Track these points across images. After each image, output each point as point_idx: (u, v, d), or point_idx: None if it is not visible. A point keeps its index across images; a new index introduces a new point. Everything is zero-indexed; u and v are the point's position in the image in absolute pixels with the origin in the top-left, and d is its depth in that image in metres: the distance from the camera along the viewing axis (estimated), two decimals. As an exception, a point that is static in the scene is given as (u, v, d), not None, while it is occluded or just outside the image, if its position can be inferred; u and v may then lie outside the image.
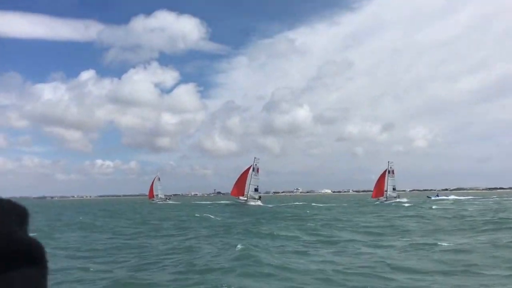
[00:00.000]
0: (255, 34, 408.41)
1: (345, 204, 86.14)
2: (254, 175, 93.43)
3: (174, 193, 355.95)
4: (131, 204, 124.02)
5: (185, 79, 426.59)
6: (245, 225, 34.18)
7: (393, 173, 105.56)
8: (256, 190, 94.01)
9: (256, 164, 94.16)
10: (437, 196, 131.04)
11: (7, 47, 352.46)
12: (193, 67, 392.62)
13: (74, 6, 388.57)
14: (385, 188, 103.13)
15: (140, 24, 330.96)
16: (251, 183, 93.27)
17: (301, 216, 47.64)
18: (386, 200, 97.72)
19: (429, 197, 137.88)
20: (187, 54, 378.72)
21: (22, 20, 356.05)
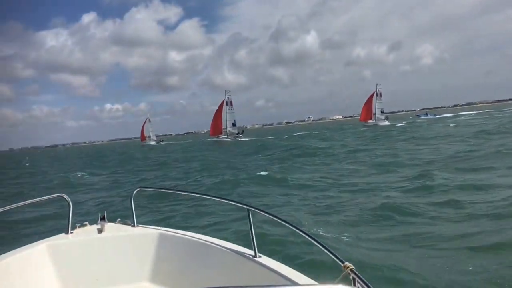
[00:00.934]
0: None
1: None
2: (229, 109, 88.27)
3: (187, 132, 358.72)
4: (127, 147, 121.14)
5: (188, 14, 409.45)
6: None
7: (381, 96, 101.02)
8: (234, 125, 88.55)
9: (228, 97, 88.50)
10: (426, 115, 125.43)
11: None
12: (196, 1, 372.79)
13: None
14: (373, 111, 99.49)
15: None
16: (227, 118, 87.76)
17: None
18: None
19: (418, 115, 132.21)
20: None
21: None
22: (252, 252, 3.09)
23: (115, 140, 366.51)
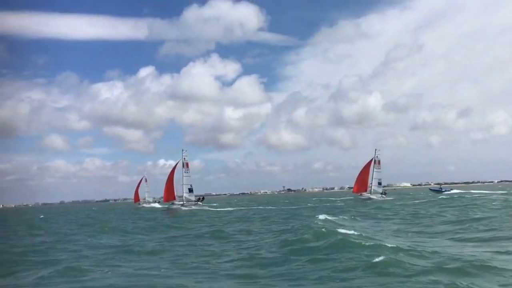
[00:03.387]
0: (322, 24, 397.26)
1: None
2: (185, 172, 78.00)
3: (242, 192, 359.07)
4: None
5: (247, 70, 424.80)
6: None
7: (379, 163, 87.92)
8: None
9: (184, 158, 79.57)
10: (441, 189, 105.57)
11: (59, 48, 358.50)
12: (255, 58, 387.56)
13: (125, 3, 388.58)
14: (369, 182, 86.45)
15: (193, 15, 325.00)
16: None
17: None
18: (370, 197, 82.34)
19: (434, 190, 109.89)
20: (246, 44, 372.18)
21: (72, 21, 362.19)
22: None
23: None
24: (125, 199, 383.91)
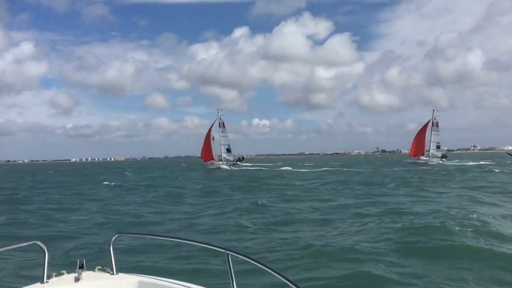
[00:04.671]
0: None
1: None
2: (222, 131, 75.48)
3: (335, 152, 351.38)
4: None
5: (339, 29, 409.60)
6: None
7: (437, 125, 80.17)
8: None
9: (220, 117, 77.03)
10: None
11: (159, 10, 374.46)
12: (347, 15, 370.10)
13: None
14: (426, 146, 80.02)
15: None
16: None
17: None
18: (428, 161, 75.94)
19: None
20: (337, 1, 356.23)
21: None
22: None
23: (262, 155, 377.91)
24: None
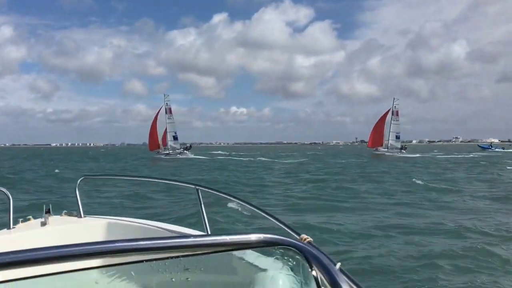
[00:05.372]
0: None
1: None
2: (168, 118, 71.36)
3: (313, 142, 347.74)
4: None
5: (320, 16, 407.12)
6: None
7: (397, 114, 76.57)
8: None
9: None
10: (491, 147, 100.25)
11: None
12: (329, 2, 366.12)
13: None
14: (385, 136, 76.34)
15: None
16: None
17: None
18: (386, 152, 73.43)
19: (482, 147, 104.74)
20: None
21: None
22: (204, 233, 2.93)
23: (239, 143, 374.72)
24: (200, 143, 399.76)
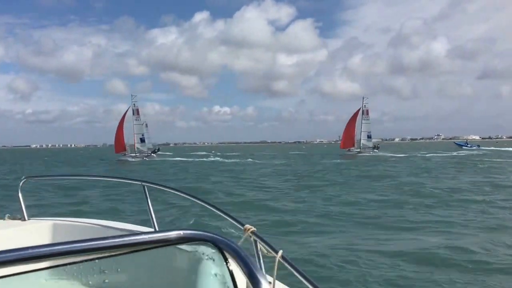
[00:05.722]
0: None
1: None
2: (136, 119, 69.49)
3: (297, 141, 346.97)
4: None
5: (301, 14, 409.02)
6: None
7: (367, 113, 76.27)
8: (369, 137, 76.89)
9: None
10: (467, 144, 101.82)
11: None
12: (310, 1, 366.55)
13: None
14: (356, 135, 75.85)
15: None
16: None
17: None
18: (359, 152, 72.96)
19: (458, 144, 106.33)
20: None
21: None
22: (152, 230, 2.92)
23: (224, 143, 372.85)
24: (184, 142, 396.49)
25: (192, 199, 2.76)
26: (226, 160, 61.42)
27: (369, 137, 75.82)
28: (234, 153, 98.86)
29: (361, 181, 26.47)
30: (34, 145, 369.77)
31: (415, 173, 32.86)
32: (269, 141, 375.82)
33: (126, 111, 69.55)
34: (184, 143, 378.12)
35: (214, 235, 1.36)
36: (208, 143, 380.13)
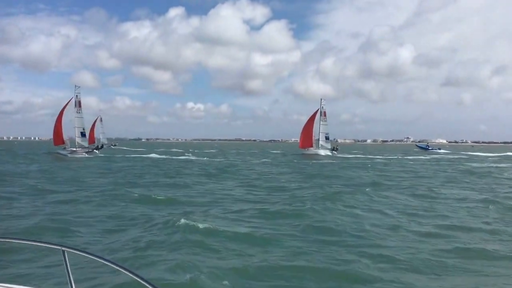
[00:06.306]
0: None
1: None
2: (77, 111, 65.37)
3: (273, 139, 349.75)
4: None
5: (276, 15, 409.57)
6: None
7: (325, 115, 76.04)
8: (327, 138, 76.25)
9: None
10: (427, 147, 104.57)
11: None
12: (284, 2, 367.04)
13: None
14: (314, 136, 74.63)
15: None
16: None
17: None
18: (316, 154, 71.60)
19: (420, 147, 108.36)
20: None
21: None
22: None
23: (198, 140, 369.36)
24: (157, 138, 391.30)
25: (121, 269, 2.58)
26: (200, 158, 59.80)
27: (327, 138, 74.81)
28: (210, 150, 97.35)
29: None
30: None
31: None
32: (243, 138, 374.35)
33: (68, 102, 65.20)
34: (157, 139, 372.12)
35: None
36: (182, 140, 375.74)
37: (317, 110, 74.75)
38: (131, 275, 2.52)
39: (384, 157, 69.88)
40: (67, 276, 2.80)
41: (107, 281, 7.25)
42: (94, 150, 64.61)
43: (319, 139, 74.63)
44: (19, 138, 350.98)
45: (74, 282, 2.81)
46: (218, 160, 57.61)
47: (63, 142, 63.80)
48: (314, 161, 54.19)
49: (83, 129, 65.58)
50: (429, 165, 50.66)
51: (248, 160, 58.86)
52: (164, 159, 58.90)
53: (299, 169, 41.44)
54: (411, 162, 54.87)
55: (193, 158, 62.45)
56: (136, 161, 52.62)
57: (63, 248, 2.80)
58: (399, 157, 70.73)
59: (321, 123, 74.36)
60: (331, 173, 35.53)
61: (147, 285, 2.40)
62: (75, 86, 66.24)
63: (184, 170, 37.52)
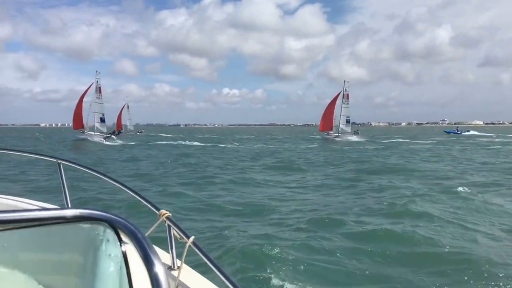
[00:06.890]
0: None
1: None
2: (97, 97, 65.43)
3: (306, 123, 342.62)
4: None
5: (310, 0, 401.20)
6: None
7: (347, 97, 71.94)
8: (348, 122, 72.57)
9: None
10: (456, 131, 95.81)
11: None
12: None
13: None
14: (335, 119, 70.43)
15: None
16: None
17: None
18: (337, 137, 67.87)
19: (448, 132, 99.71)
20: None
21: None
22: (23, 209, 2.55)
23: (234, 125, 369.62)
24: (194, 124, 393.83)
25: (110, 181, 2.62)
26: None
27: (347, 121, 71.18)
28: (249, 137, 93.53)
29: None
30: (44, 124, 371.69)
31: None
32: (278, 123, 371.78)
33: (89, 87, 65.67)
34: (195, 124, 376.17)
35: (111, 215, 1.32)
36: (218, 125, 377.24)
37: (340, 93, 71.18)
38: (125, 188, 2.48)
39: (434, 140, 64.83)
40: (62, 187, 2.86)
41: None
42: (112, 136, 63.83)
43: (339, 122, 71.03)
44: (66, 125, 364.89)
45: (68, 191, 2.88)
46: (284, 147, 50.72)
47: (82, 126, 64.06)
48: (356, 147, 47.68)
49: (103, 114, 65.74)
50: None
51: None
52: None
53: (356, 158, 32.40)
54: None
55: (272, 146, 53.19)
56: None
57: (59, 161, 2.87)
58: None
59: (343, 105, 70.90)
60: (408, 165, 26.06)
61: (140, 198, 2.34)
62: (96, 71, 66.52)
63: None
